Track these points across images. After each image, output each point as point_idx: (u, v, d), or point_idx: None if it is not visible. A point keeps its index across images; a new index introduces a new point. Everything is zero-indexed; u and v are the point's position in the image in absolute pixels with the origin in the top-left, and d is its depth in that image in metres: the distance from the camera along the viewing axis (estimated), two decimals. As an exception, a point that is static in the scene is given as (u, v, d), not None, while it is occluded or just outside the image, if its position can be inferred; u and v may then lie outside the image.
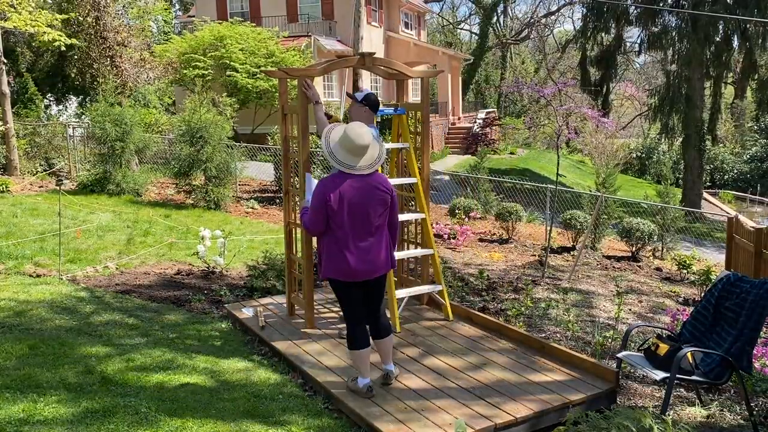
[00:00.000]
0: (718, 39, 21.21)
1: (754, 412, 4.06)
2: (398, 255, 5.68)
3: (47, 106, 20.85)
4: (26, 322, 5.39)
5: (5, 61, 14.60)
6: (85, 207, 11.15)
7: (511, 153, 29.90)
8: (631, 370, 4.91)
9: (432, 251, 5.71)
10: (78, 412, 3.75)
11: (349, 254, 3.92)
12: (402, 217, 5.75)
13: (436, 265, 5.71)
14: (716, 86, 23.15)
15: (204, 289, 6.82)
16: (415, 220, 5.93)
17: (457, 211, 12.92)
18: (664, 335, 4.37)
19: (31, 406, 3.79)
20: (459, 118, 32.75)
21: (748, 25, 20.36)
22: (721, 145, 33.60)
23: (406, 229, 6.22)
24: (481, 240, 11.24)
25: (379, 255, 4.01)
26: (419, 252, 5.86)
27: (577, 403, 4.10)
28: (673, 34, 21.76)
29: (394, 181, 5.76)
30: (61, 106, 22.29)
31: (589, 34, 23.91)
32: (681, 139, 22.94)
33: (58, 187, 9.44)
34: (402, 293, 5.56)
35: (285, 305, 5.83)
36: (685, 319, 4.73)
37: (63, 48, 15.27)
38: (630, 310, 7.03)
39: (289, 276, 5.69)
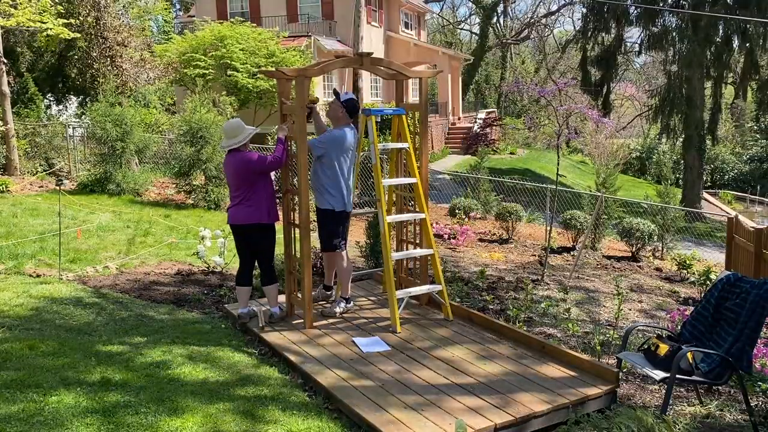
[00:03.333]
0: (718, 39, 21.21)
1: (754, 412, 4.06)
2: (397, 255, 5.72)
3: (47, 106, 20.83)
4: (26, 322, 5.39)
5: (5, 61, 14.60)
6: (85, 207, 11.15)
7: (512, 153, 29.92)
8: (632, 370, 4.91)
9: (432, 251, 5.69)
10: (78, 412, 3.75)
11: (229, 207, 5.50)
12: (401, 217, 5.87)
13: (436, 265, 5.69)
14: (717, 87, 23.14)
15: (204, 289, 6.82)
16: (415, 220, 5.94)
17: (457, 211, 12.92)
18: (664, 335, 4.37)
19: (31, 406, 3.79)
20: (459, 118, 32.75)
21: (748, 26, 20.36)
22: (722, 145, 33.62)
23: (405, 229, 6.22)
24: (481, 240, 11.24)
25: (240, 211, 5.32)
26: (419, 252, 5.85)
27: (577, 402, 4.10)
28: (674, 34, 21.75)
29: (393, 182, 5.82)
30: (61, 106, 22.27)
31: (589, 34, 23.89)
32: (681, 140, 22.95)
33: (58, 187, 9.44)
34: (402, 293, 5.55)
35: (284, 305, 5.82)
36: (685, 319, 4.73)
37: (67, 39, 15.25)
38: (630, 310, 7.03)
39: (288, 276, 5.69)
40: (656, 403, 4.38)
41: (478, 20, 46.50)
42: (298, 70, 5.37)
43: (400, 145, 5.70)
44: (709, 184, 31.08)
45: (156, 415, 3.78)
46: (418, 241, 6.05)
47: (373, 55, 5.68)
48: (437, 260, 5.70)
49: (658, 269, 9.89)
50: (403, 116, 5.70)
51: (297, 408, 4.07)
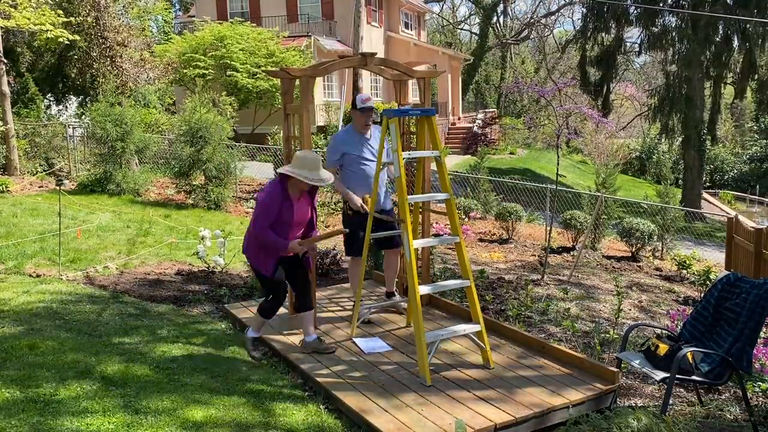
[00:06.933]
0: (718, 39, 21.22)
1: (754, 412, 4.06)
2: (426, 289, 4.73)
3: (47, 106, 20.84)
4: (26, 322, 5.39)
5: (5, 61, 14.60)
6: (85, 207, 11.15)
7: (511, 153, 29.91)
8: (631, 370, 4.91)
9: (468, 282, 4.71)
10: (78, 412, 3.76)
11: None
12: (431, 242, 5.32)
13: (474, 300, 4.72)
14: (716, 86, 23.17)
15: (204, 289, 6.83)
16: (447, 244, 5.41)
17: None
18: (663, 335, 4.37)
19: (32, 406, 3.79)
20: (459, 118, 32.75)
21: (748, 26, 20.37)
22: (721, 145, 33.65)
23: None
24: (481, 240, 11.24)
25: None
26: (452, 284, 4.91)
27: (577, 403, 4.10)
28: (673, 34, 21.76)
29: (420, 198, 5.21)
30: (61, 106, 22.28)
31: (589, 35, 23.91)
32: (681, 139, 22.97)
33: (58, 187, 9.45)
34: (432, 336, 4.49)
35: (285, 305, 5.82)
36: (685, 319, 4.73)
37: (67, 42, 15.26)
38: (630, 310, 7.04)
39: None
40: (656, 404, 4.38)
41: (478, 20, 46.51)
42: (304, 69, 5.37)
43: (429, 153, 4.89)
44: (709, 184, 31.10)
45: (156, 415, 3.79)
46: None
47: (377, 56, 5.67)
48: (474, 294, 4.71)
49: (657, 269, 9.89)
50: (433, 117, 4.87)
51: (297, 407, 4.07)
